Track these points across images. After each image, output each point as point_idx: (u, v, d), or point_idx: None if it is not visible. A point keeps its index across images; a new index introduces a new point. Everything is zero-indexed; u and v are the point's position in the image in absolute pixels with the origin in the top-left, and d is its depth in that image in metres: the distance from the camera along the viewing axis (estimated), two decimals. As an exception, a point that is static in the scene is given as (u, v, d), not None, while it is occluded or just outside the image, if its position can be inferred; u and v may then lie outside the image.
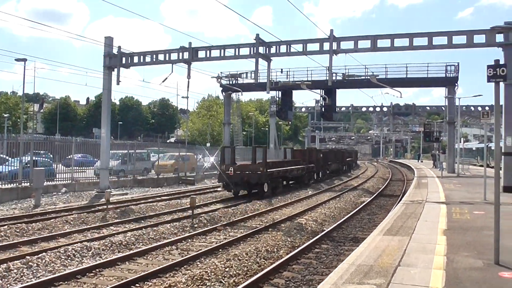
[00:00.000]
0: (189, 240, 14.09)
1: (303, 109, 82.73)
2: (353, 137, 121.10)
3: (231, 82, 39.83)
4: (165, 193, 26.83)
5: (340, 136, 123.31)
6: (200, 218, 17.84)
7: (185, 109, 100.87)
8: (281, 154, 65.21)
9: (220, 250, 12.75)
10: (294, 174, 31.64)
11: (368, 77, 28.94)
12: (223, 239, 14.40)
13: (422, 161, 74.02)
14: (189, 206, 18.37)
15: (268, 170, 26.20)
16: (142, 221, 17.55)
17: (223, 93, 41.69)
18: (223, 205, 22.19)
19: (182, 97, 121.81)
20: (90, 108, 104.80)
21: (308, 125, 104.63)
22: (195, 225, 16.66)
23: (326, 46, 24.81)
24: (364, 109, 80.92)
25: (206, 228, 15.87)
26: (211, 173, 40.00)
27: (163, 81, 30.31)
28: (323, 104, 35.16)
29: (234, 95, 41.38)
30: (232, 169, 25.55)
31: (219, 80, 36.55)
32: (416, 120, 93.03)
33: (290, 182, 32.93)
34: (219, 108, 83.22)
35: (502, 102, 21.14)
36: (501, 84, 10.63)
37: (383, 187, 33.47)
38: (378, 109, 79.40)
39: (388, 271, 7.58)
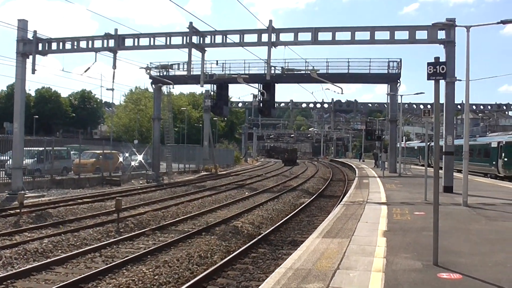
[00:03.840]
0: (114, 246, 13.87)
1: (240, 104, 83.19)
2: (293, 135, 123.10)
3: (161, 74, 39.34)
4: (88, 195, 26.22)
5: (279, 133, 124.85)
6: (127, 222, 17.59)
7: (110, 102, 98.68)
8: (221, 152, 66.01)
9: (148, 256, 12.65)
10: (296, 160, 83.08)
11: (309, 72, 29.50)
12: (152, 244, 14.29)
13: (363, 161, 76.32)
14: (114, 209, 18.07)
15: (296, 156, 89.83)
16: (61, 226, 17.08)
17: (153, 85, 41.16)
18: (152, 207, 21.99)
19: (107, 89, 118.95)
20: (1, 100, 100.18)
21: (245, 121, 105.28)
22: (121, 230, 16.41)
23: (265, 37, 25.10)
24: (304, 105, 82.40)
25: (133, 233, 15.68)
26: (139, 173, 39.50)
27: (85, 71, 29.64)
28: (261, 99, 35.39)
29: (165, 88, 40.87)
30: (286, 155, 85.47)
31: (148, 71, 35.92)
32: (358, 117, 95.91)
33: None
34: (148, 102, 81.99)
35: (443, 100, 22.25)
36: (442, 82, 11.20)
37: (324, 187, 34.28)
38: (318, 105, 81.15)
39: (327, 274, 7.83)
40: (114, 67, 27.06)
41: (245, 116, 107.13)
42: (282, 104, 79.29)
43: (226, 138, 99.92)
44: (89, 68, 27.92)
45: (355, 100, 78.56)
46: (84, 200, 24.05)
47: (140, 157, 41.98)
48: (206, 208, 22.17)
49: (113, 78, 41.42)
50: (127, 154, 41.76)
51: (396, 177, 34.10)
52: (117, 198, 18.04)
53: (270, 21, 24.85)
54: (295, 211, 21.13)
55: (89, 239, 14.80)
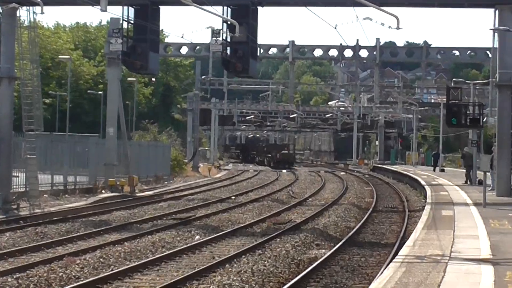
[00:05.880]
0: None
1: (185, 50, 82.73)
2: (295, 115, 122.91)
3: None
4: None
5: (266, 111, 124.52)
6: None
7: None
8: (145, 150, 64.58)
9: None
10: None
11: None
12: None
13: (443, 170, 76.60)
14: None
15: (293, 155, 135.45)
16: None
17: (-1, 7, 40.91)
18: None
19: None
20: None
21: (195, 86, 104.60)
22: None
23: None
24: (318, 52, 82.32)
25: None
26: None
27: None
28: (227, 39, 35.42)
29: (24, 14, 40.63)
30: (279, 155, 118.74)
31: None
32: (431, 79, 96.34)
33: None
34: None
35: None
36: None
37: (358, 225, 34.41)
38: (348, 53, 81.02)
39: None
40: None
41: (195, 74, 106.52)
42: (273, 50, 79.29)
43: (155, 121, 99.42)
44: None
45: (425, 43, 78.59)
46: None
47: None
48: (110, 270, 22.11)
49: None
50: None
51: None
52: None
53: None
54: (298, 277, 21.09)
55: None
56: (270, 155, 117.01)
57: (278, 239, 29.20)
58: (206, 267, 22.48)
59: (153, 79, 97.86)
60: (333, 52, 79.62)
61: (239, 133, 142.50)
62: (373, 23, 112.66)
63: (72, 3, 39.72)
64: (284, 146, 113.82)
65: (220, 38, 36.70)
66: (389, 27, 54.06)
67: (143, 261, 23.63)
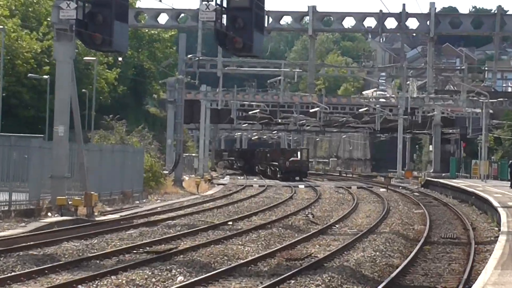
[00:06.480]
0: None
1: (164, 19, 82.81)
2: (317, 108, 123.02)
3: None
4: None
5: (276, 104, 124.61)
6: None
7: None
8: (108, 157, 64.20)
9: None
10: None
11: None
12: None
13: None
14: None
15: (307, 164, 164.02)
16: None
17: None
18: None
19: None
20: None
21: (178, 67, 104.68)
22: None
23: None
24: (349, 22, 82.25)
25: None
26: None
27: None
28: (222, 4, 35.31)
29: None
30: (287, 164, 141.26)
31: None
32: (508, 59, 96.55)
33: None
34: None
35: None
36: None
37: (405, 262, 34.10)
38: (391, 23, 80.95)
39: None
40: None
41: (178, 53, 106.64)
42: (287, 20, 79.27)
43: (122, 116, 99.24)
44: None
45: (499, 8, 78.17)
46: None
47: None
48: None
49: None
50: None
51: None
52: None
53: None
54: None
55: None
56: (275, 163, 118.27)
57: (292, 281, 28.70)
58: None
59: (120, 59, 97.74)
60: (370, 22, 79.46)
61: (240, 133, 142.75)
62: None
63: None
64: (294, 152, 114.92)
65: (213, 3, 36.60)
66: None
67: None
